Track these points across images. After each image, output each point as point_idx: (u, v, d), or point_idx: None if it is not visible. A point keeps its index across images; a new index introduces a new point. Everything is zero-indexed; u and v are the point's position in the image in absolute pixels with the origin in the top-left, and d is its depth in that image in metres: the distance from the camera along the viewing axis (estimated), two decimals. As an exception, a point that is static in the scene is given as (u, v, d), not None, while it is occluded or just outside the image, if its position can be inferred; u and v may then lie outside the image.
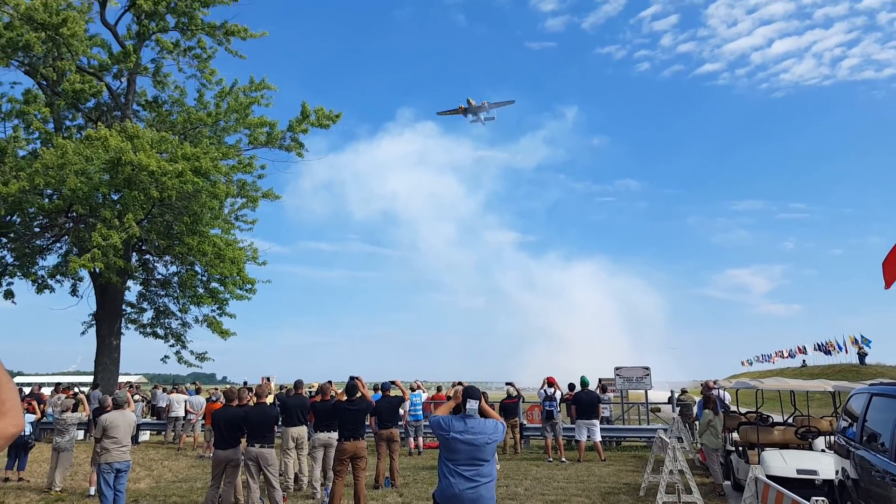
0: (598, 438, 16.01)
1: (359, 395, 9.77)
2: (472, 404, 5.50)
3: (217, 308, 23.09)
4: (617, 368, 20.69)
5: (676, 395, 19.96)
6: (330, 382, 12.16)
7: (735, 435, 12.21)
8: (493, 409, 6.02)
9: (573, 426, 16.35)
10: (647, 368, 20.69)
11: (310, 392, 13.27)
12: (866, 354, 50.28)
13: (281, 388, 16.18)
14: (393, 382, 12.40)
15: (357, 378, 10.81)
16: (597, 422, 16.08)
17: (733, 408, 15.58)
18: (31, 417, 13.88)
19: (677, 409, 18.79)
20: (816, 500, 4.83)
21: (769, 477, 8.33)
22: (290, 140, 24.13)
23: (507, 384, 17.85)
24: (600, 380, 20.59)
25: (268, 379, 21.59)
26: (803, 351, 62.28)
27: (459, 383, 14.33)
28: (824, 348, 58.05)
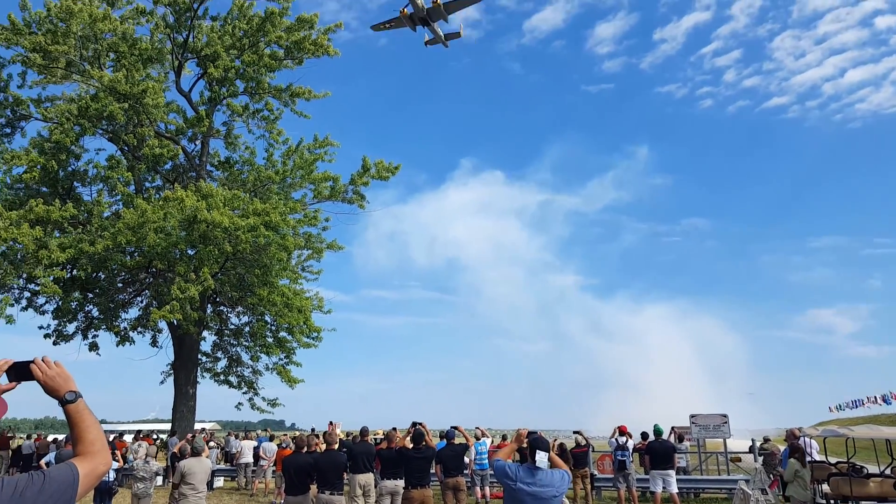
0: (675, 490, 15.28)
1: (424, 442, 9.82)
2: (541, 456, 5.26)
3: (285, 357, 23.89)
4: (692, 416, 19.84)
5: (759, 444, 18.90)
6: (394, 429, 12.27)
7: (825, 487, 11.47)
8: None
9: (647, 477, 15.75)
10: (725, 416, 19.76)
11: (375, 439, 13.39)
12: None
13: (347, 434, 16.38)
14: (456, 428, 12.37)
15: (421, 424, 10.89)
16: (672, 472, 15.39)
17: (821, 457, 14.66)
18: (114, 465, 14.54)
19: (760, 458, 17.80)
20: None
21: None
22: (353, 193, 25.33)
23: (575, 433, 17.41)
24: (673, 428, 19.78)
25: (333, 425, 21.87)
26: (898, 396, 57.86)
27: (532, 433, 14.12)
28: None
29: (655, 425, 16.04)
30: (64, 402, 2.12)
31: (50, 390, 2.14)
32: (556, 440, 16.35)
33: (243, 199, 21.45)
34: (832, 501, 10.91)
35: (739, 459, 20.11)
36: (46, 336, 23.91)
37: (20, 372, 2.16)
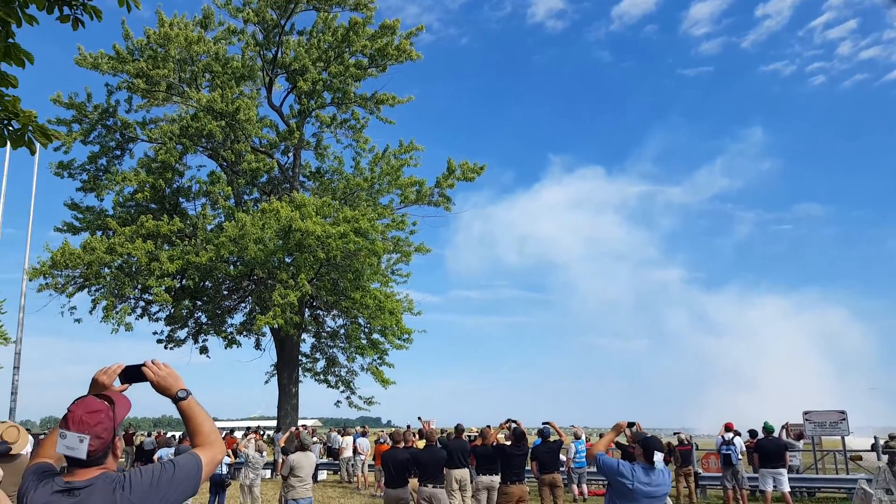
0: (787, 489, 14.51)
1: (524, 441, 9.82)
2: (658, 457, 5.33)
3: (378, 357, 24.52)
4: (806, 413, 18.71)
5: (883, 442, 17.63)
6: (488, 426, 12.32)
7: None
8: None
9: (756, 475, 15.05)
10: (843, 412, 18.50)
11: (469, 437, 13.51)
12: None
13: (441, 431, 16.61)
14: (548, 424, 12.30)
15: (516, 422, 10.92)
16: (784, 470, 14.63)
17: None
18: (225, 459, 15.42)
19: (884, 457, 16.58)
20: None
21: None
22: (438, 195, 25.57)
23: (675, 433, 16.93)
24: (785, 425, 18.74)
25: (427, 422, 22.24)
26: None
27: (631, 424, 13.84)
28: None
29: (765, 423, 15.31)
30: (177, 400, 2.29)
31: (162, 389, 2.30)
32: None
33: (334, 206, 22.18)
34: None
35: (860, 458, 18.80)
36: (160, 342, 25.72)
37: (132, 374, 2.35)
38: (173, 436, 22.94)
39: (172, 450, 15.26)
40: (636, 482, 5.22)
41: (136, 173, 23.54)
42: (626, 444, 7.91)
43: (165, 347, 25.71)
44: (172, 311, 24.04)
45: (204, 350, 25.77)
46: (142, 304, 24.67)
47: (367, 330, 24.58)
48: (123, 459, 22.88)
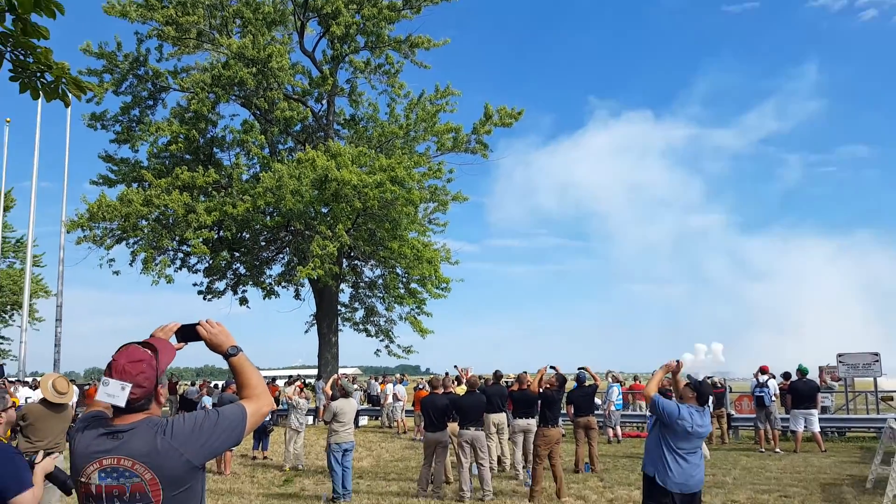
0: (817, 429, 14.79)
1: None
2: (711, 400, 5.84)
3: (416, 307, 24.89)
4: (840, 355, 18.78)
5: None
6: (525, 372, 12.67)
7: None
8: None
9: (788, 416, 15.31)
10: (877, 354, 18.52)
11: (507, 382, 13.90)
12: None
13: (479, 378, 17.08)
14: (584, 369, 12.62)
15: (554, 367, 11.22)
16: (815, 411, 14.88)
17: None
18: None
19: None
20: None
21: None
22: (475, 142, 25.13)
23: (708, 377, 17.22)
24: (822, 368, 18.88)
25: (465, 370, 22.81)
26: None
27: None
28: None
29: (800, 365, 15.48)
30: (228, 356, 2.39)
31: (214, 347, 2.40)
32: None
33: (369, 155, 22.13)
34: None
35: (891, 398, 18.93)
36: (200, 293, 26.31)
37: (187, 333, 2.45)
38: (216, 384, 23.84)
39: (214, 398, 16.04)
40: (694, 425, 5.61)
41: (169, 124, 23.59)
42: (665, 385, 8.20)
43: (205, 298, 26.32)
44: (211, 262, 24.55)
45: (244, 301, 26.37)
46: (180, 255, 25.11)
47: (404, 280, 24.80)
48: (167, 408, 23.94)
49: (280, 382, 26.38)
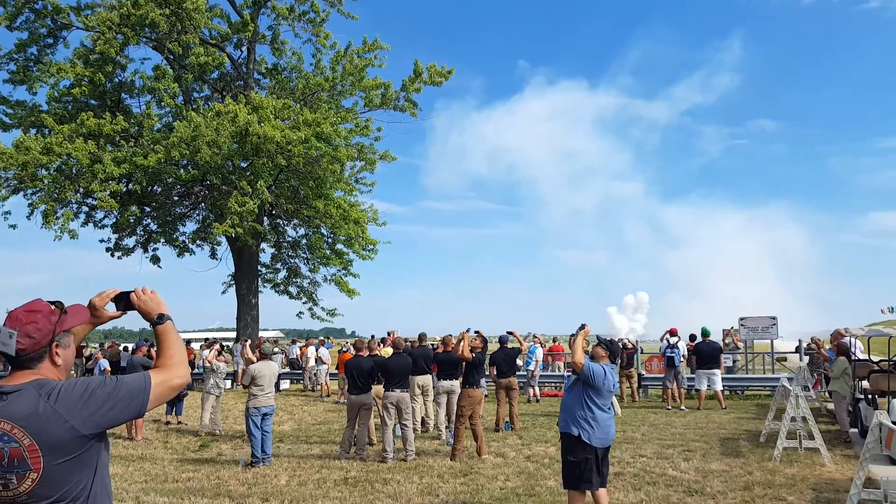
0: (719, 388, 15.83)
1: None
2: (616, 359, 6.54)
3: (343, 268, 24.48)
4: (741, 318, 20.09)
5: (805, 345, 19.13)
6: (450, 335, 12.82)
7: (865, 383, 11.72)
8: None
9: (693, 376, 16.27)
10: (774, 318, 19.93)
11: (432, 345, 14.04)
12: None
13: (405, 340, 17.18)
14: (510, 333, 12.91)
15: (477, 332, 11.39)
16: (718, 371, 15.89)
17: (864, 356, 14.83)
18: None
19: (805, 357, 18.08)
20: (945, 445, 4.75)
21: (898, 424, 8.07)
22: (405, 100, 24.48)
23: (619, 339, 18.00)
24: (728, 331, 20.09)
25: (392, 333, 22.87)
26: (955, 296, 56.77)
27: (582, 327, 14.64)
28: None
29: (703, 327, 16.40)
30: (154, 324, 2.32)
31: (144, 313, 2.35)
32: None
33: (294, 109, 21.22)
34: (870, 396, 11.17)
35: (785, 359, 20.42)
36: (108, 250, 24.74)
37: (125, 301, 2.37)
38: (125, 347, 22.86)
39: (106, 363, 15.38)
40: (613, 381, 6.12)
41: (72, 65, 21.71)
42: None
43: (113, 256, 24.89)
44: (119, 217, 23.18)
45: (155, 259, 25.09)
46: (85, 209, 23.55)
47: (330, 240, 24.28)
48: (74, 373, 22.82)
49: (196, 346, 25.60)
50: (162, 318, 2.32)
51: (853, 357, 12.82)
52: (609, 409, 6.13)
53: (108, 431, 2.15)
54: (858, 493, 6.34)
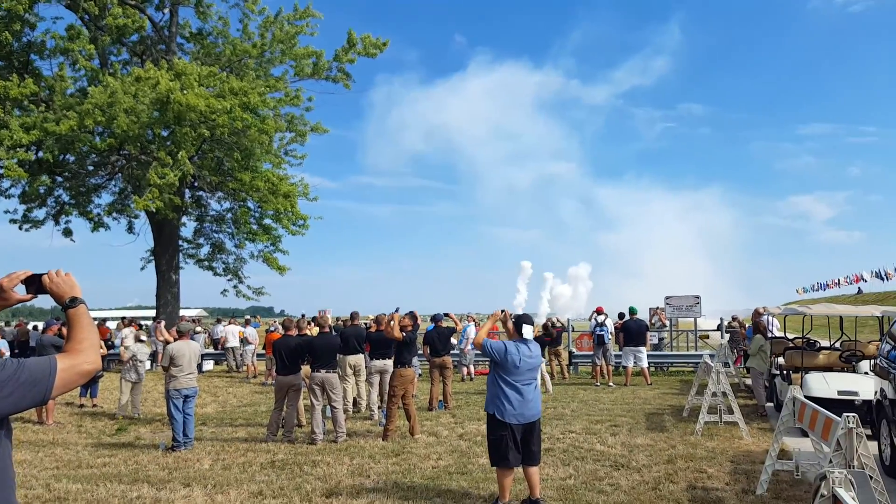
0: (645, 364, 16.31)
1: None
2: (527, 329, 6.31)
3: (271, 244, 23.70)
4: (667, 297, 20.73)
5: (726, 323, 19.97)
6: (383, 314, 12.62)
7: (781, 359, 12.28)
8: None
9: (621, 353, 16.69)
10: (698, 297, 20.67)
11: (365, 324, 13.80)
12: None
13: (337, 319, 16.86)
14: (446, 314, 12.84)
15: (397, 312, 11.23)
16: (644, 349, 16.37)
17: (780, 333, 15.58)
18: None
19: (727, 335, 18.88)
20: (847, 416, 4.99)
21: (810, 398, 8.47)
22: (337, 71, 23.72)
23: (548, 318, 18.31)
24: (655, 310, 20.71)
25: (323, 312, 22.39)
26: (861, 279, 60.82)
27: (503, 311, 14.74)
28: (882, 275, 56.59)
29: (631, 306, 16.83)
30: (66, 307, 2.23)
31: (56, 297, 2.25)
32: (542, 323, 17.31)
33: (220, 77, 20.18)
34: (785, 371, 11.71)
35: (707, 337, 21.27)
36: (13, 221, 23.23)
37: (37, 284, 2.27)
38: (35, 326, 21.58)
39: (4, 343, 14.45)
40: (522, 356, 6.12)
41: (-27, 22, 20.16)
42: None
43: (21, 228, 23.31)
44: (27, 187, 21.68)
45: (68, 233, 23.66)
46: (-11, 178, 22.05)
47: (257, 215, 23.40)
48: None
49: (112, 324, 24.43)
50: (74, 301, 2.23)
51: (770, 334, 13.45)
52: (528, 385, 6.11)
53: (12, 417, 2.02)
54: (773, 464, 6.62)
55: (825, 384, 9.80)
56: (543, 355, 14.79)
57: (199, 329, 22.37)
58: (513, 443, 6.04)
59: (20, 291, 2.27)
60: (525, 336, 6.27)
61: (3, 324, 26.90)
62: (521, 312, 6.74)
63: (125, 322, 19.12)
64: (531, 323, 6.44)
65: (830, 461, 4.94)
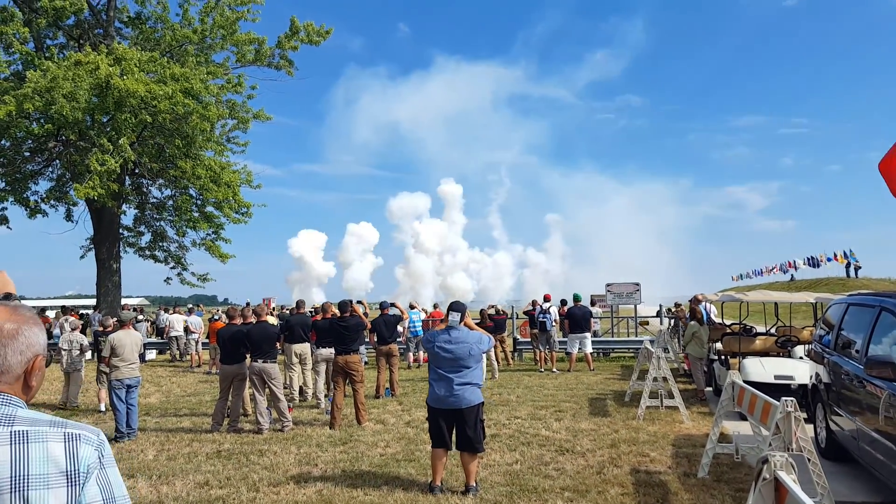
0: (589, 350, 16.67)
1: (349, 312, 10.11)
2: (453, 316, 6.27)
3: (213, 232, 23.23)
4: (608, 285, 21.20)
5: (666, 308, 20.60)
6: (328, 302, 12.55)
7: (719, 345, 12.73)
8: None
9: (566, 339, 16.99)
10: (637, 284, 21.21)
11: (311, 311, 13.70)
12: (860, 268, 51.44)
13: (282, 308, 16.67)
14: (393, 304, 12.86)
15: (360, 301, 11.19)
16: (588, 335, 16.70)
17: (719, 320, 16.18)
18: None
19: (666, 320, 19.49)
20: (786, 400, 5.17)
21: (748, 382, 8.81)
22: (280, 58, 23.42)
23: (491, 306, 18.44)
24: (593, 296, 21.17)
25: (268, 300, 22.11)
26: (794, 266, 63.43)
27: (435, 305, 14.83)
28: (814, 262, 59.19)
29: (575, 293, 17.15)
30: None
31: None
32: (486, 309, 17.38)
33: (161, 63, 19.59)
34: (723, 356, 12.16)
35: (647, 323, 21.91)
36: (-53, 208, 22.22)
37: None
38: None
39: None
40: (436, 343, 6.21)
41: None
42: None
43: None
44: (-41, 172, 20.67)
45: (3, 220, 22.66)
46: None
47: (199, 202, 22.86)
48: None
49: (51, 313, 23.55)
50: (8, 298, 2.21)
51: (707, 321, 13.93)
52: (455, 372, 6.11)
53: None
54: (714, 447, 6.80)
55: (762, 369, 10.10)
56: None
57: (140, 318, 21.79)
58: (436, 426, 6.25)
59: None
60: (450, 321, 6.25)
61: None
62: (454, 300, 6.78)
63: (64, 310, 18.46)
64: (458, 310, 6.32)
65: (770, 444, 5.09)
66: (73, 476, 1.45)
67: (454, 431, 6.28)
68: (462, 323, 6.31)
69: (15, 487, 1.39)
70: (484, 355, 6.75)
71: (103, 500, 1.48)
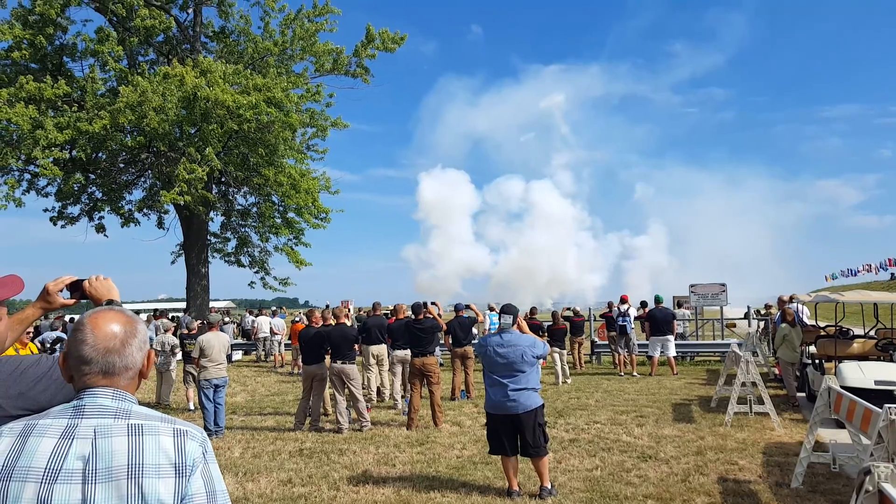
0: (672, 353, 16.09)
1: (423, 314, 10.20)
2: (505, 319, 6.22)
3: (294, 237, 24.05)
4: (692, 286, 20.42)
5: (755, 311, 19.65)
6: (401, 304, 12.72)
7: (812, 348, 12.02)
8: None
9: (647, 342, 16.50)
10: (724, 285, 20.32)
11: (386, 314, 13.89)
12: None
13: (360, 310, 17.01)
14: (468, 306, 12.87)
15: (434, 303, 11.28)
16: (671, 338, 16.13)
17: (811, 322, 15.26)
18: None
19: (755, 323, 18.60)
20: (889, 408, 4.79)
21: (845, 388, 8.26)
22: (356, 66, 23.98)
23: (568, 308, 18.12)
24: (675, 298, 20.48)
25: (346, 302, 22.64)
26: (894, 264, 59.37)
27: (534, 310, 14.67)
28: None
29: (656, 294, 16.62)
30: None
31: (95, 300, 2.31)
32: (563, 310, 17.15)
33: (244, 74, 20.53)
34: (817, 361, 11.46)
35: (734, 325, 20.93)
36: (51, 219, 23.97)
37: (80, 288, 2.37)
38: (72, 318, 22.09)
39: (56, 333, 14.80)
40: (489, 347, 6.15)
41: (10, 26, 20.57)
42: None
43: (56, 225, 24.05)
44: (62, 185, 22.25)
45: (101, 228, 24.29)
46: (27, 177, 22.66)
47: (281, 209, 23.75)
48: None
49: (143, 316, 24.93)
50: (111, 303, 2.25)
51: (798, 323, 13.17)
52: (510, 377, 6.02)
53: None
54: (808, 456, 6.39)
55: (861, 373, 9.47)
56: (561, 345, 14.76)
57: (227, 320, 22.79)
58: (495, 433, 6.22)
59: (64, 296, 2.36)
60: (501, 323, 6.23)
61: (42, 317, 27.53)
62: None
63: (156, 314, 19.50)
64: (510, 312, 6.24)
65: (872, 454, 4.76)
66: (180, 468, 1.52)
67: (517, 437, 6.19)
68: (515, 326, 6.24)
69: (131, 475, 1.47)
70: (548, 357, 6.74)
71: (206, 493, 1.54)
